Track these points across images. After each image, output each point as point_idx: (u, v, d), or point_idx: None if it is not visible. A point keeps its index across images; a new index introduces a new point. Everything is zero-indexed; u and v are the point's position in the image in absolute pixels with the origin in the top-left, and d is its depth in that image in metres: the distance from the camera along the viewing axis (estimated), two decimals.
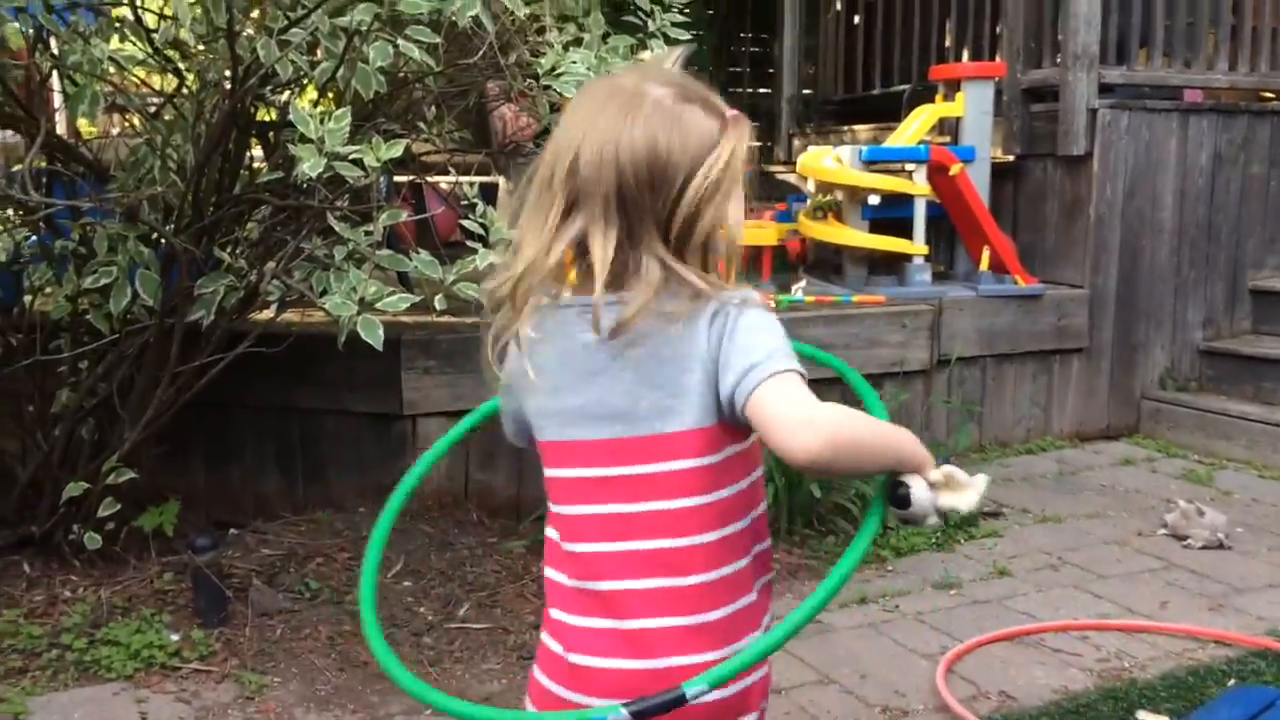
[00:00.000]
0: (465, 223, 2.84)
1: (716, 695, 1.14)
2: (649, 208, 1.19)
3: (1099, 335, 4.54)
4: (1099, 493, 3.86)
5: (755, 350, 1.15)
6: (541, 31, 3.12)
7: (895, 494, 1.18)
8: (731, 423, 1.18)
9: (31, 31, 2.73)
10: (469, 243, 2.83)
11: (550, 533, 1.31)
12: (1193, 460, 4.22)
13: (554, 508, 1.30)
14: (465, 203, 2.94)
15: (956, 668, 2.58)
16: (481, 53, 2.97)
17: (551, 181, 1.21)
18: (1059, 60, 4.62)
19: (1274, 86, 4.98)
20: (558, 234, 1.20)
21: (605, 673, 1.23)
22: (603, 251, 1.18)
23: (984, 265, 4.39)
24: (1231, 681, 2.47)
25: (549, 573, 1.31)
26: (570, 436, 1.27)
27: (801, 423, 1.11)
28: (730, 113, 1.25)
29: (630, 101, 1.21)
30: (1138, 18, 4.68)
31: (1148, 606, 2.92)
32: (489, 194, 4.27)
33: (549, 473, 1.31)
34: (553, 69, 2.92)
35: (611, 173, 1.18)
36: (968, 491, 1.20)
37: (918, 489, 1.18)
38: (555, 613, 1.29)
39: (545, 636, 1.31)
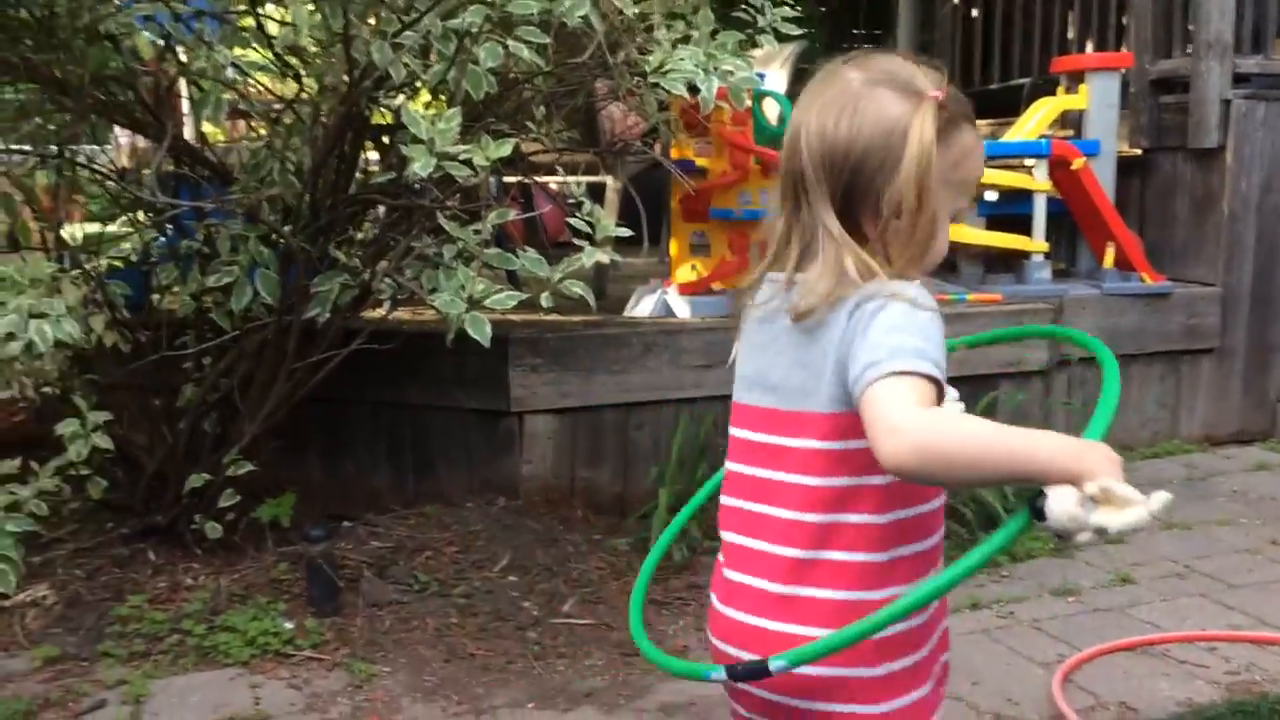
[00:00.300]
0: (572, 221, 2.86)
1: (808, 671, 1.19)
2: (825, 190, 1.22)
3: (1231, 335, 4.32)
4: (1230, 499, 3.67)
5: (880, 348, 1.13)
6: (650, 30, 3.12)
7: (1033, 505, 1.08)
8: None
9: (160, 40, 2.86)
10: (576, 241, 2.85)
11: None
12: None
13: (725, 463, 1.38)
14: (572, 201, 2.95)
15: (1074, 677, 2.48)
16: (590, 52, 2.99)
17: (781, 167, 1.30)
18: (1189, 50, 4.41)
19: None
20: (780, 214, 1.29)
21: (716, 615, 1.34)
22: (784, 229, 1.27)
23: (1108, 262, 4.22)
24: None
25: None
26: (742, 400, 1.33)
27: (891, 430, 1.07)
28: (931, 92, 1.22)
29: (821, 87, 1.26)
30: (1275, 4, 4.44)
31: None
32: (597, 193, 4.30)
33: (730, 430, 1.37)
34: (660, 67, 2.92)
35: (797, 156, 1.24)
36: (1127, 510, 1.07)
37: (1056, 502, 1.06)
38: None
39: None
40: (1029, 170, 4.26)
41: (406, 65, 2.67)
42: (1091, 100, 4.40)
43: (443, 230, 2.77)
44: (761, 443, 1.29)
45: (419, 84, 2.97)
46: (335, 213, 2.91)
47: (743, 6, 3.31)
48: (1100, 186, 4.20)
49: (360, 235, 3.14)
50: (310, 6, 2.80)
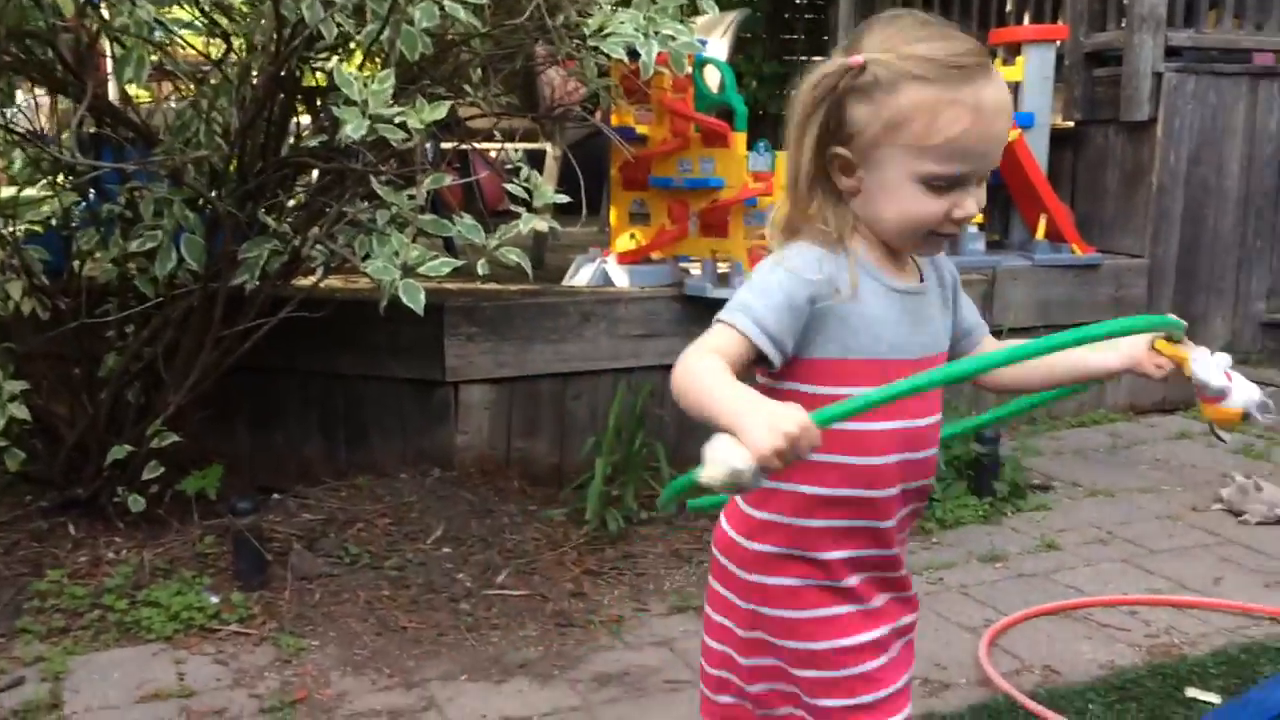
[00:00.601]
0: (509, 187, 2.82)
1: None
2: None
3: (1158, 306, 4.41)
4: (1153, 466, 3.77)
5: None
6: None
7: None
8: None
9: None
10: (514, 208, 2.81)
11: None
12: (1251, 434, 4.09)
13: None
14: (510, 168, 2.91)
15: (1000, 641, 2.53)
16: (528, 14, 2.93)
17: None
18: (1124, 23, 4.47)
19: None
20: None
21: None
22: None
23: (1040, 234, 4.28)
24: None
25: None
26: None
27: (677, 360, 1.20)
28: (851, 60, 1.22)
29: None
30: None
31: (1200, 582, 2.84)
32: (536, 160, 4.25)
33: None
34: (600, 30, 2.88)
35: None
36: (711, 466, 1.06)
37: (715, 449, 1.06)
38: None
39: None
40: None
41: (339, 25, 2.60)
42: (1027, 73, 4.44)
43: (376, 196, 2.72)
44: None
45: (352, 45, 2.90)
46: (264, 176, 2.83)
47: None
48: (1034, 159, 4.25)
49: (291, 200, 3.07)
50: None
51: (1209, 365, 1.36)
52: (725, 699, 1.43)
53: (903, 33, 1.24)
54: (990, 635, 2.52)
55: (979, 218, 4.30)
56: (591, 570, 2.84)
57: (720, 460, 1.04)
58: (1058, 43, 4.54)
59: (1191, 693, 2.28)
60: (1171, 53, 4.38)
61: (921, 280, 1.35)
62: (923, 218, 1.24)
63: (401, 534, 2.90)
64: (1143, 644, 2.52)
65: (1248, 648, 2.47)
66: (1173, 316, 1.41)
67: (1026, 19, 6.16)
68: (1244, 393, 1.36)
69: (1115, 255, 4.42)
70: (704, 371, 1.16)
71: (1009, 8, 6.28)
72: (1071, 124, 4.68)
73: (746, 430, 1.05)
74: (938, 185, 1.22)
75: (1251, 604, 2.69)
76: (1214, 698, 2.26)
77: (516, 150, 3.17)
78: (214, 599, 2.60)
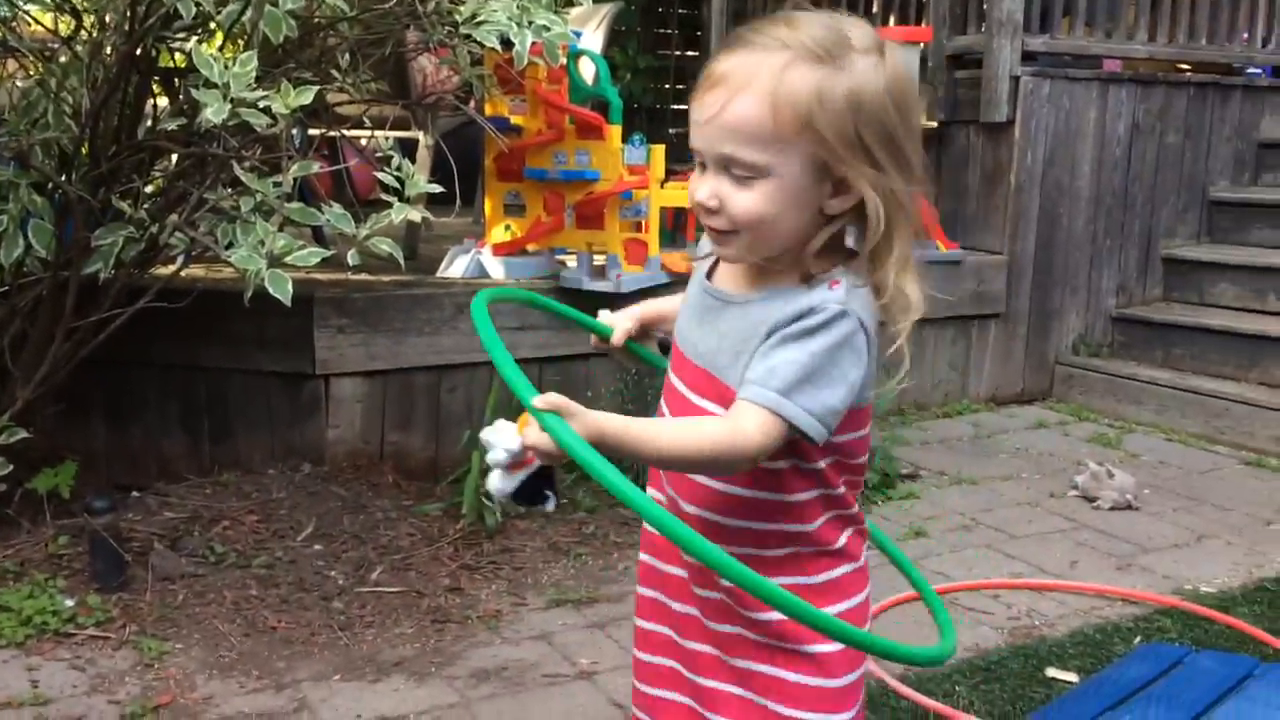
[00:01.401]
0: (381, 176, 2.75)
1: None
2: (854, 158, 1.19)
3: (1016, 301, 4.60)
4: (1013, 455, 3.92)
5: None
6: None
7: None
8: None
9: None
10: (385, 198, 2.74)
11: None
12: (1103, 424, 4.31)
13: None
14: (381, 156, 2.85)
15: (870, 628, 2.59)
16: None
17: None
18: (984, 27, 4.64)
19: (1191, 58, 5.06)
20: None
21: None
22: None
23: None
24: (1138, 639, 2.52)
25: None
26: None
27: None
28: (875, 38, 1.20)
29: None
30: None
31: (1058, 566, 2.97)
32: (409, 149, 4.16)
33: None
34: (472, 18, 2.84)
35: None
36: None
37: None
38: None
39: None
40: None
41: (198, 4, 2.49)
42: None
43: (240, 182, 2.62)
44: None
45: (213, 25, 2.78)
46: (118, 160, 2.70)
47: None
48: None
49: (149, 186, 2.93)
50: None
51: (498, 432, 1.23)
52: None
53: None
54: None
55: None
56: (468, 565, 2.80)
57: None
58: (922, 45, 4.68)
59: (1051, 672, 2.38)
60: (1028, 57, 4.56)
61: (751, 299, 1.24)
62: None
63: (270, 532, 2.81)
64: (1005, 626, 2.62)
65: (1102, 628, 2.59)
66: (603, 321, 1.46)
67: (892, 21, 6.33)
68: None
69: (977, 252, 4.58)
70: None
71: (875, 9, 6.45)
72: (935, 124, 4.83)
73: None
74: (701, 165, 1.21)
75: (1106, 586, 2.82)
76: (1072, 677, 2.36)
77: (387, 138, 3.11)
78: (69, 602, 2.47)
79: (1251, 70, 5.18)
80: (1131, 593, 2.78)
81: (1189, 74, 5.02)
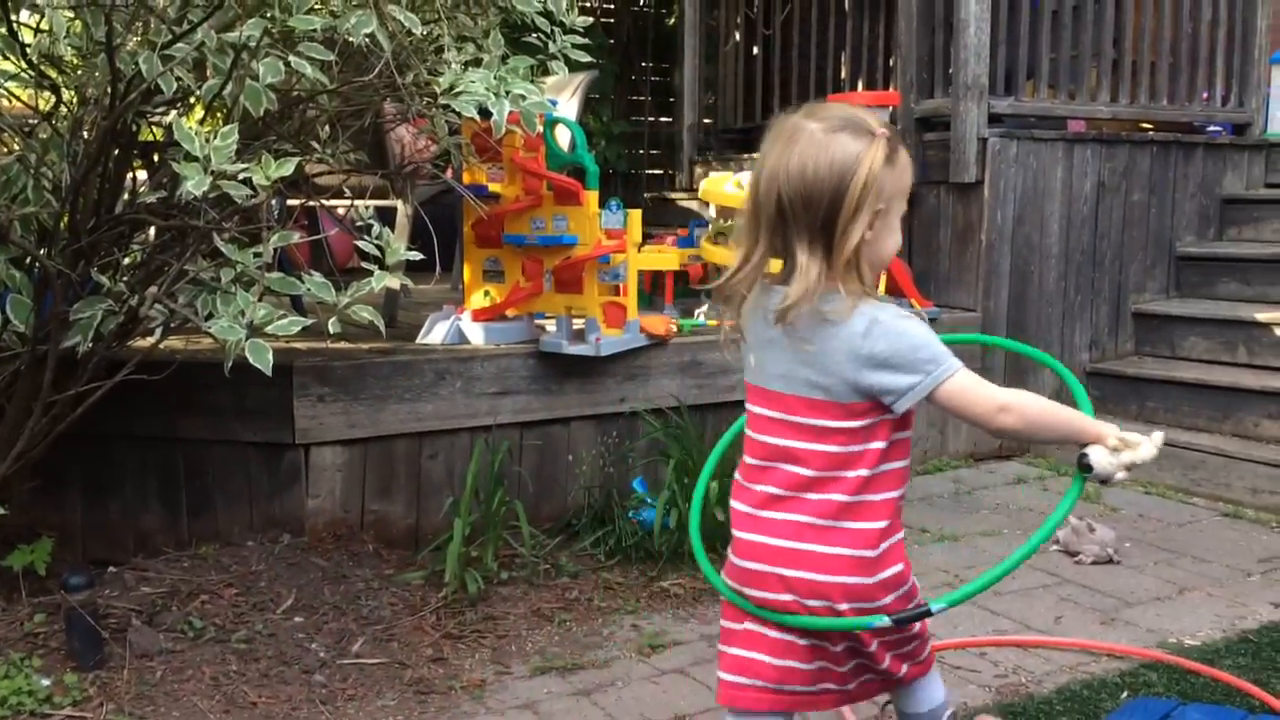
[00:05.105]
0: (360, 244, 2.77)
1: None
2: (805, 222, 1.56)
3: (991, 357, 4.65)
4: (994, 511, 3.94)
5: (924, 355, 1.62)
6: (440, 51, 3.07)
7: (1080, 462, 1.65)
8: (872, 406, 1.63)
9: None
10: (364, 265, 2.76)
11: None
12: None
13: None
14: (360, 225, 2.87)
15: None
16: (377, 71, 2.92)
17: (750, 204, 1.63)
18: (950, 91, 4.74)
19: (1152, 117, 5.19)
20: (756, 242, 1.62)
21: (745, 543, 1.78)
22: (763, 252, 1.62)
23: (882, 290, 4.46)
24: (1125, 694, 2.52)
25: None
26: (752, 380, 1.73)
27: (1001, 408, 1.64)
28: (879, 130, 1.57)
29: (790, 135, 1.59)
30: (1024, 50, 4.84)
31: (1043, 621, 2.97)
32: (387, 217, 4.19)
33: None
34: (451, 89, 2.88)
35: (773, 195, 1.58)
36: (1143, 445, 1.64)
37: (1096, 456, 1.63)
38: None
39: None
40: None
41: (178, 79, 2.52)
42: None
43: (220, 253, 2.63)
44: (773, 418, 1.69)
45: (193, 99, 2.81)
46: (98, 234, 2.71)
47: (533, 32, 3.31)
48: None
49: (128, 259, 2.94)
50: (70, 14, 2.61)
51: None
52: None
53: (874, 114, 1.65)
54: None
55: None
56: (451, 634, 2.77)
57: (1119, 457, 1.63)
58: (890, 108, 4.78)
59: None
60: (994, 119, 4.67)
61: None
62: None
63: (249, 605, 2.77)
64: (992, 684, 2.61)
65: (1089, 684, 2.59)
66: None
67: (860, 86, 6.47)
68: None
69: (951, 309, 4.64)
70: (1046, 405, 1.67)
71: (844, 75, 6.59)
72: None
73: (1105, 428, 1.67)
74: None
75: (1091, 641, 2.82)
76: None
77: (367, 207, 3.13)
78: (45, 682, 2.42)
79: (1212, 128, 5.32)
80: (1116, 647, 2.78)
81: (1152, 133, 5.14)
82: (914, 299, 4.46)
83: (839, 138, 1.55)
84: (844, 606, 1.65)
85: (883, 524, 1.66)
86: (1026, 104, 4.83)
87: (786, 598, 1.67)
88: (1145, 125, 5.24)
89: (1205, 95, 5.31)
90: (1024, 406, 1.63)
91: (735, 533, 1.74)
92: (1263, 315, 4.47)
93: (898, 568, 1.69)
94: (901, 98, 4.91)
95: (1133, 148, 4.96)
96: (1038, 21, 4.86)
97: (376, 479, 3.28)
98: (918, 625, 1.82)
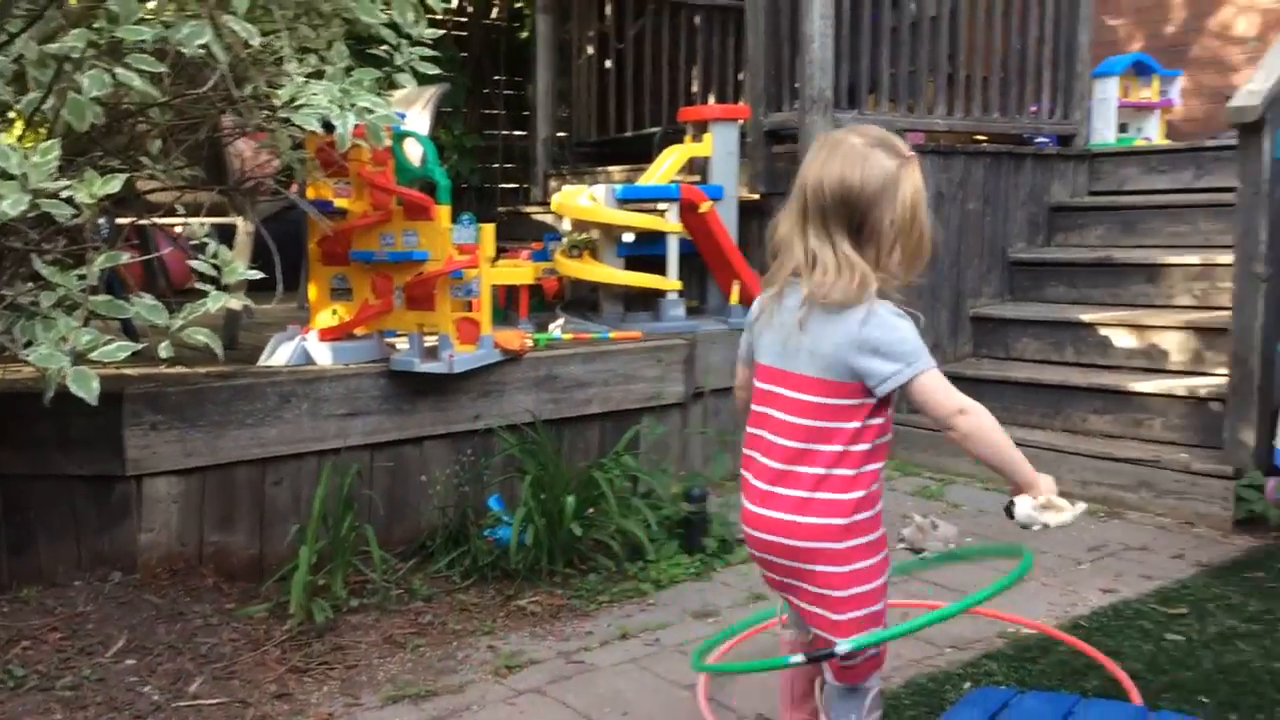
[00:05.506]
0: (195, 264, 2.66)
1: (797, 543, 1.95)
2: (842, 221, 1.85)
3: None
4: None
5: (906, 349, 1.85)
6: (280, 63, 2.98)
7: (1007, 508, 1.89)
8: (857, 389, 1.89)
9: None
10: (200, 285, 2.65)
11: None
12: (926, 477, 4.49)
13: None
14: (196, 243, 2.75)
15: (717, 696, 2.60)
16: (213, 83, 2.81)
17: (793, 205, 1.91)
18: (797, 105, 4.86)
19: (985, 130, 5.43)
20: (798, 238, 1.90)
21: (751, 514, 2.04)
22: (803, 249, 1.89)
23: (734, 299, 4.53)
24: (968, 685, 2.60)
25: None
26: (761, 360, 2.01)
27: (961, 409, 1.87)
28: (908, 154, 1.89)
29: (833, 147, 1.88)
30: (866, 65, 4.99)
31: (890, 618, 3.03)
32: (228, 236, 4.04)
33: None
34: (292, 101, 2.79)
35: (817, 197, 1.86)
36: (1065, 512, 1.87)
37: (1021, 507, 1.87)
38: None
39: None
40: (662, 213, 4.49)
41: None
42: (715, 149, 4.73)
43: (40, 277, 2.48)
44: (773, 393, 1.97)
45: (12, 114, 2.66)
46: None
47: (380, 46, 3.25)
48: (725, 228, 4.52)
49: None
50: None
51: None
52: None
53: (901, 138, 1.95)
54: (704, 690, 2.58)
55: (678, 285, 4.51)
56: (297, 667, 2.67)
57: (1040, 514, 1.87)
58: (740, 121, 4.87)
59: None
60: None
61: None
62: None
63: (76, 649, 2.61)
64: None
65: (934, 676, 2.67)
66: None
67: (712, 99, 6.57)
68: None
69: None
70: (999, 429, 1.88)
71: (695, 88, 6.69)
72: (757, 196, 5.02)
73: (1043, 484, 1.93)
74: None
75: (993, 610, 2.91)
76: None
77: (202, 225, 3.01)
78: None
79: (1040, 140, 5.59)
80: (1002, 615, 2.94)
81: (985, 144, 5.37)
82: None
83: (875, 153, 1.85)
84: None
85: (859, 494, 1.92)
86: (869, 117, 4.98)
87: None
88: (979, 137, 5.48)
89: (1034, 108, 5.59)
90: (981, 417, 1.85)
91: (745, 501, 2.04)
92: (1087, 316, 4.72)
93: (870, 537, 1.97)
94: (751, 111, 5.01)
95: (968, 159, 5.17)
96: (879, 38, 5.02)
97: (216, 509, 3.14)
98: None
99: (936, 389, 1.85)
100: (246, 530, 3.20)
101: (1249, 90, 3.76)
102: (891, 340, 1.83)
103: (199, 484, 3.10)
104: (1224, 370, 4.03)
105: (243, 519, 3.19)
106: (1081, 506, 1.88)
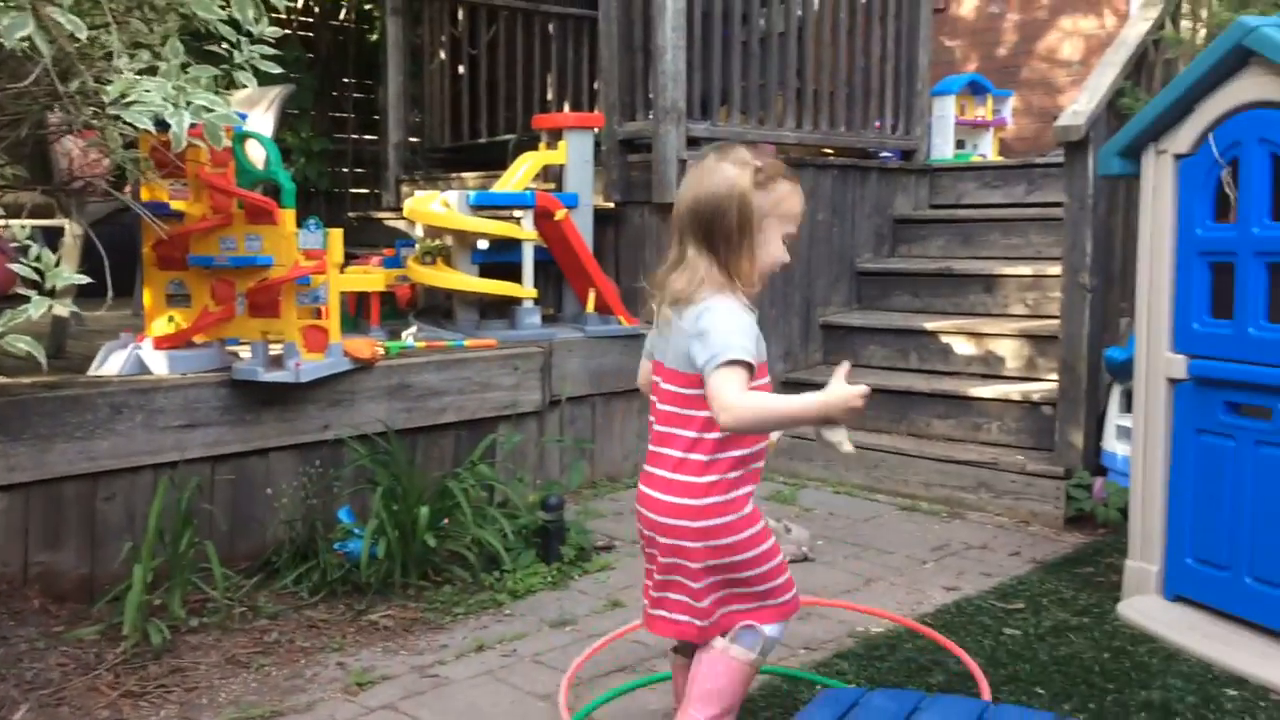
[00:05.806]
0: (17, 268, 2.49)
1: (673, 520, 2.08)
2: (698, 230, 2.00)
3: None
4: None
5: (716, 342, 1.91)
6: (109, 57, 2.83)
7: (817, 434, 2.00)
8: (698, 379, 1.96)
9: None
10: (24, 291, 2.49)
11: None
12: (779, 482, 4.58)
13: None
14: (16, 246, 2.59)
15: (574, 705, 2.58)
16: (34, 78, 2.65)
17: (673, 216, 2.07)
18: (651, 114, 4.90)
19: (833, 143, 5.59)
20: (672, 246, 2.07)
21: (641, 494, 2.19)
22: (675, 257, 2.05)
23: (590, 307, 4.53)
24: (818, 686, 2.66)
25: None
26: (655, 356, 2.15)
27: (722, 408, 1.87)
28: (756, 163, 1.99)
29: (697, 166, 2.05)
30: (719, 77, 5.08)
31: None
32: (53, 238, 3.81)
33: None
34: (122, 97, 2.65)
35: (679, 211, 2.03)
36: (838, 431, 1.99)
37: (826, 433, 2.00)
38: None
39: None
40: (517, 220, 4.46)
41: None
42: (569, 156, 4.72)
43: None
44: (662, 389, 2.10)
45: None
46: None
47: (220, 44, 3.12)
48: (580, 236, 4.51)
49: None
50: None
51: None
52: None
53: (765, 153, 2.03)
54: (565, 701, 2.56)
55: (534, 293, 4.48)
56: (132, 692, 2.53)
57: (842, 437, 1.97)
58: (595, 130, 4.88)
59: None
60: (693, 141, 4.86)
61: None
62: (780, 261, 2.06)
63: None
64: None
65: (787, 676, 2.72)
66: None
67: (566, 106, 6.58)
68: None
69: None
70: (762, 402, 1.93)
71: (550, 96, 6.68)
72: (612, 204, 5.03)
73: (835, 413, 1.93)
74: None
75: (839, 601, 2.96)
76: None
77: (24, 227, 2.83)
78: None
79: (884, 154, 5.80)
80: (861, 608, 2.95)
81: (832, 158, 5.54)
82: (622, 316, 4.56)
83: (724, 166, 1.97)
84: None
85: (711, 479, 2.01)
86: (722, 128, 5.07)
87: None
88: (827, 150, 5.64)
89: (878, 124, 5.79)
90: (741, 410, 1.86)
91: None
92: (930, 324, 4.91)
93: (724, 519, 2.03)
94: (605, 120, 5.02)
95: (817, 171, 5.32)
96: (730, 50, 5.11)
97: (42, 527, 2.96)
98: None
99: (720, 386, 1.88)
100: (76, 549, 3.02)
101: (1074, 111, 3.98)
102: (713, 330, 1.92)
103: (22, 501, 2.91)
104: (1055, 376, 4.24)
105: (71, 537, 3.01)
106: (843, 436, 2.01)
